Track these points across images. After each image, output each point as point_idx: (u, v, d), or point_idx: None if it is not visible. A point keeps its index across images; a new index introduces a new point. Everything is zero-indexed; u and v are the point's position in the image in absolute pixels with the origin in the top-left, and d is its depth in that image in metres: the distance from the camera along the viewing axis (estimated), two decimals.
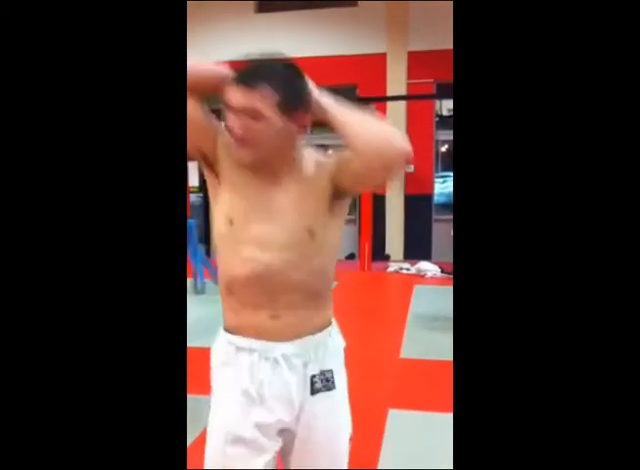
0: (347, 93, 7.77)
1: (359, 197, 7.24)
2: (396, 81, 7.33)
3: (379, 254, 7.24)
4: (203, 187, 7.31)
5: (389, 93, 7.28)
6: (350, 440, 1.33)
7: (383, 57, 7.38)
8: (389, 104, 7.30)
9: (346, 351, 4.05)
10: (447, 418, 2.63)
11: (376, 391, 3.00)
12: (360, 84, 7.47)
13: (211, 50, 7.74)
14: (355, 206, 7.79)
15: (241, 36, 7.79)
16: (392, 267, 6.77)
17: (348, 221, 7.87)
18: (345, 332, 4.34)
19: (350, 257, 7.75)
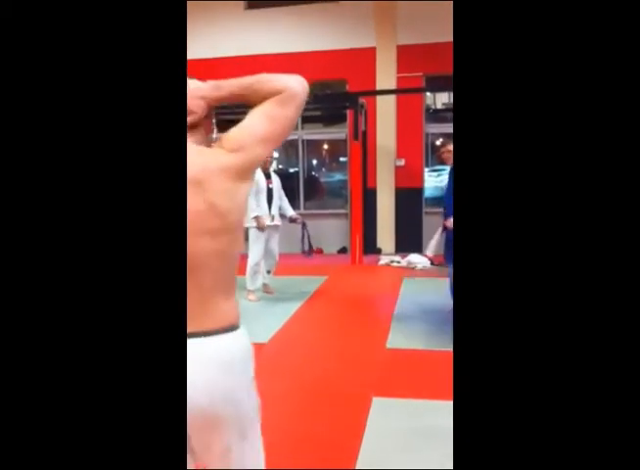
0: (337, 87, 7.80)
1: (350, 191, 7.30)
2: (386, 75, 7.37)
3: (370, 247, 7.30)
4: None
5: (379, 87, 7.32)
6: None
7: (372, 51, 7.41)
8: (379, 98, 7.35)
9: (336, 341, 4.11)
10: (430, 405, 2.71)
11: (362, 379, 3.06)
12: (350, 79, 7.50)
13: (203, 47, 7.77)
14: (346, 200, 7.84)
15: (231, 33, 7.82)
16: (384, 260, 6.83)
17: (340, 215, 7.93)
18: (335, 323, 4.44)
19: (342, 250, 7.81)
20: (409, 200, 7.51)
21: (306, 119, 8.19)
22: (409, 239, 7.35)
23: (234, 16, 7.87)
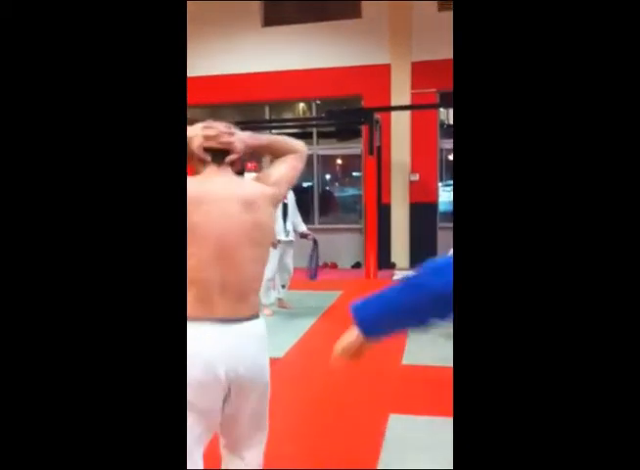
0: (352, 103, 7.87)
1: (365, 206, 7.32)
2: (400, 91, 7.42)
3: (385, 262, 7.29)
4: None
5: (394, 103, 7.37)
6: None
7: (387, 68, 7.49)
8: (394, 113, 7.39)
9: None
10: (448, 422, 2.66)
11: (378, 396, 3.05)
12: (365, 95, 7.57)
13: (220, 63, 7.90)
14: (361, 215, 7.86)
15: (248, 49, 7.94)
16: (398, 275, 6.81)
17: (354, 230, 7.94)
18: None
19: (356, 265, 7.80)
20: (424, 214, 7.51)
21: (321, 135, 8.27)
22: (424, 254, 7.32)
23: (251, 33, 8.00)
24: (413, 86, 7.38)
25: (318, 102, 8.19)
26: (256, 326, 1.44)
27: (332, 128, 8.22)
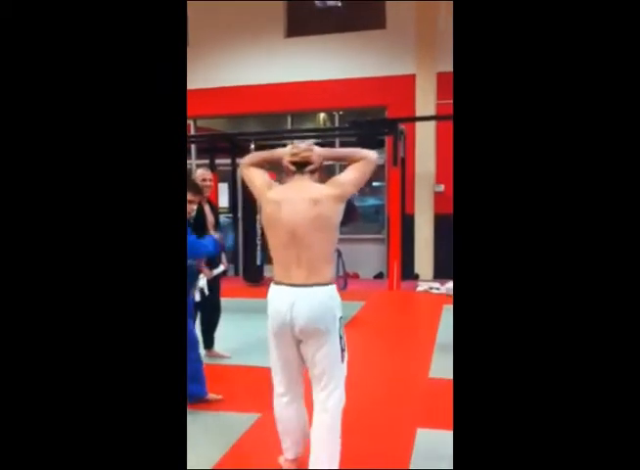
0: (376, 114, 7.84)
1: (388, 216, 7.26)
2: (426, 102, 7.38)
3: (408, 273, 7.21)
4: (233, 208, 7.46)
5: (419, 114, 7.33)
6: None
7: (412, 78, 7.46)
8: (419, 124, 7.35)
9: (376, 370, 4.03)
10: None
11: (405, 410, 2.98)
12: (389, 105, 7.55)
13: (243, 74, 7.96)
14: (384, 225, 7.80)
15: (271, 61, 7.99)
16: (422, 287, 6.73)
17: (377, 240, 7.88)
18: (375, 351, 4.37)
19: (379, 276, 7.73)
20: (448, 225, 7.42)
21: (343, 145, 8.25)
22: (449, 265, 7.23)
23: (274, 43, 8.06)
24: (438, 97, 7.34)
25: (341, 112, 8.19)
26: (319, 291, 2.01)
27: (353, 139, 8.21)
